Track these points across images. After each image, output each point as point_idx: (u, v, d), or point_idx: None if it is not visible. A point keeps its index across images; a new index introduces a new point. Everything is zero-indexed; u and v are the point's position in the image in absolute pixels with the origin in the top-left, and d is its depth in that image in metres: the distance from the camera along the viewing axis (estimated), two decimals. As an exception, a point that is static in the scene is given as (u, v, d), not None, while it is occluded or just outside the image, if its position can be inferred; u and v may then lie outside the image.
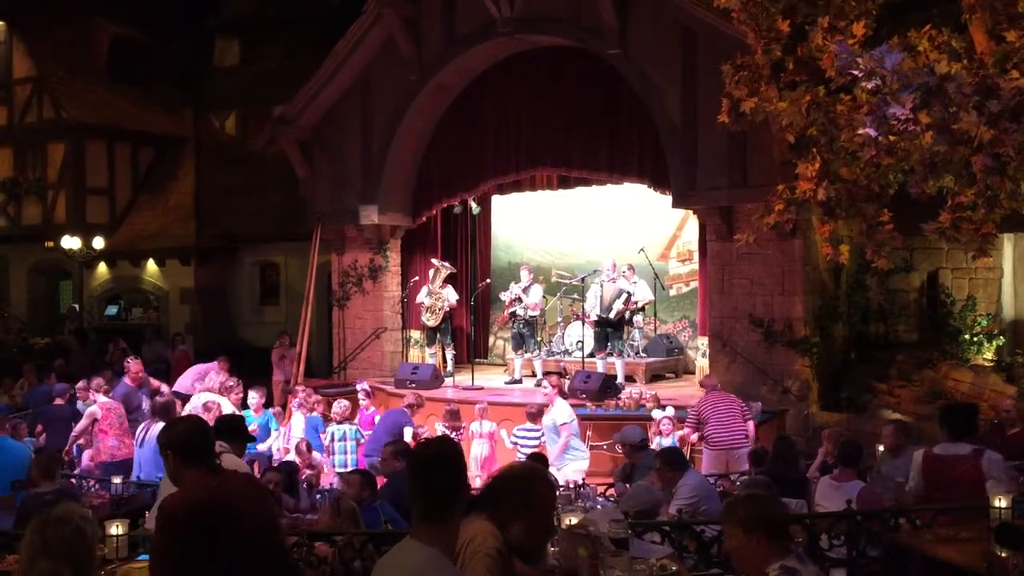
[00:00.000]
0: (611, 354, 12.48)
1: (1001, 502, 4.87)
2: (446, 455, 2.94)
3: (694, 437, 9.66)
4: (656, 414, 10.07)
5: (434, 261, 14.11)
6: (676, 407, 10.98)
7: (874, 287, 12.62)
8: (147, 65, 21.47)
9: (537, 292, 13.28)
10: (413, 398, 10.37)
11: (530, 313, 13.16)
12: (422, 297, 13.63)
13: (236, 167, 19.65)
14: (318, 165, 14.94)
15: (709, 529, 5.22)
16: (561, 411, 9.95)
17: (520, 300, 13.11)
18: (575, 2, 12.32)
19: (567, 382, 11.92)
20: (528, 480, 3.31)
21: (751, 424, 9.65)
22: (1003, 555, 4.20)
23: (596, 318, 12.47)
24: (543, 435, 9.98)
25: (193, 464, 3.68)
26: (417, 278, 14.26)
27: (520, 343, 13.31)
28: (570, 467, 9.54)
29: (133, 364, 10.98)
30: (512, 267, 15.98)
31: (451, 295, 13.62)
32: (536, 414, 10.15)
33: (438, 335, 13.73)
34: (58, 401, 11.00)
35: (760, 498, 3.40)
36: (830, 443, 8.13)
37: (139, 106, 21.15)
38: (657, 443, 9.17)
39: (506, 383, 13.25)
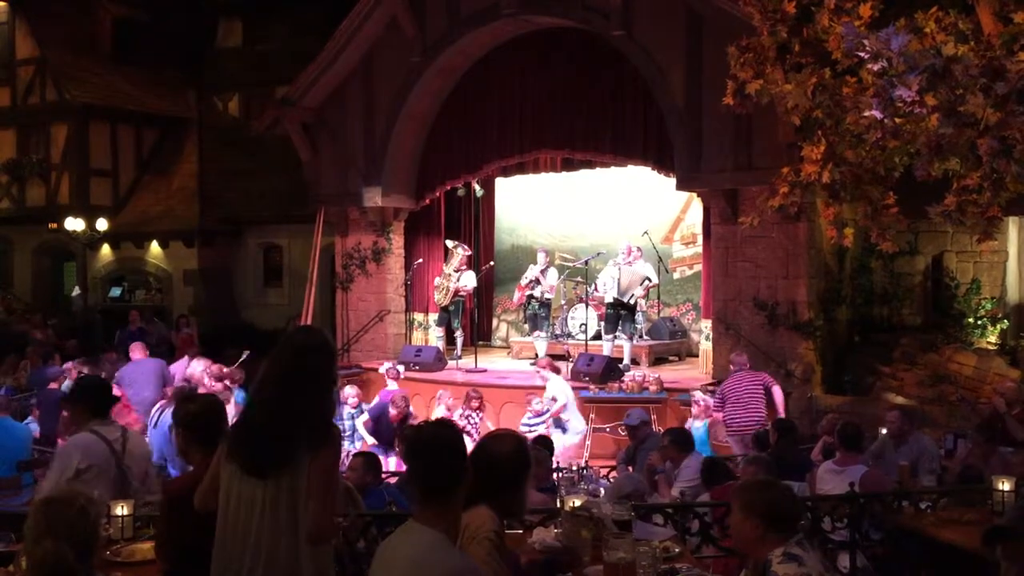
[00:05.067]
0: (618, 337, 12.47)
1: (1004, 485, 4.88)
2: (442, 439, 2.93)
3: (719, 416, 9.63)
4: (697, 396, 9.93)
5: (447, 243, 14.10)
6: (680, 390, 11.02)
7: (878, 270, 12.59)
8: (150, 46, 21.38)
9: (554, 275, 13.26)
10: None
11: (546, 295, 13.15)
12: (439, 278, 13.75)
13: (240, 149, 19.61)
14: (322, 147, 14.91)
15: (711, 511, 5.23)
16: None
17: (538, 282, 13.08)
18: (579, -17, 12.26)
19: (570, 364, 11.96)
20: (511, 446, 3.30)
21: (778, 398, 9.59)
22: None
23: (612, 300, 12.43)
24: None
25: (201, 443, 3.70)
26: (421, 260, 14.25)
27: (535, 324, 13.28)
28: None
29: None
30: (516, 250, 15.98)
31: (468, 280, 13.45)
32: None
33: (449, 316, 13.71)
34: (52, 385, 10.88)
35: (770, 485, 3.43)
36: (828, 434, 8.06)
37: (142, 87, 21.09)
38: (689, 425, 9.22)
39: (531, 364, 13.17)
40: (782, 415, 9.31)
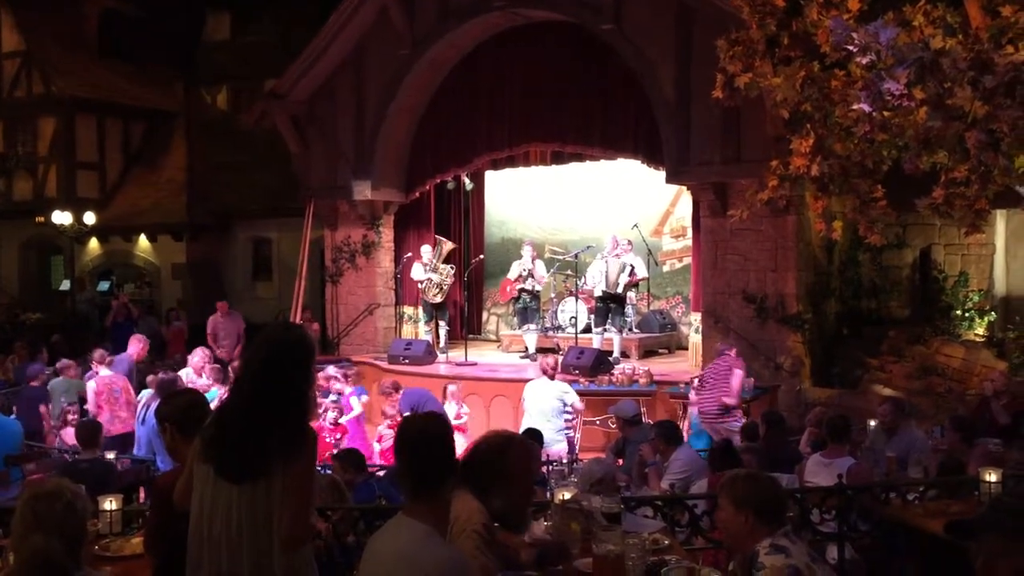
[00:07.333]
0: (608, 330, 12.49)
1: (991, 476, 4.91)
2: (432, 432, 2.92)
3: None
4: None
5: (438, 237, 14.10)
6: (669, 383, 11.03)
7: (867, 263, 12.63)
8: (137, 39, 21.30)
9: (542, 266, 13.30)
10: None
11: (537, 287, 13.16)
12: (425, 275, 13.56)
13: (228, 142, 19.55)
14: (311, 140, 14.85)
15: (701, 504, 5.24)
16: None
17: (531, 275, 13.08)
18: (569, -24, 12.24)
19: (560, 357, 11.95)
20: (501, 448, 3.30)
21: (734, 380, 9.36)
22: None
23: (601, 293, 12.44)
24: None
25: (190, 439, 3.68)
26: (410, 254, 14.23)
27: (526, 318, 13.28)
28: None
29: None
30: (506, 243, 15.97)
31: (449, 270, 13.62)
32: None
33: (435, 311, 13.71)
34: (33, 383, 10.74)
35: (758, 478, 3.42)
36: (815, 427, 8.06)
37: (129, 80, 21.00)
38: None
39: (521, 358, 13.21)
40: (732, 398, 9.26)
